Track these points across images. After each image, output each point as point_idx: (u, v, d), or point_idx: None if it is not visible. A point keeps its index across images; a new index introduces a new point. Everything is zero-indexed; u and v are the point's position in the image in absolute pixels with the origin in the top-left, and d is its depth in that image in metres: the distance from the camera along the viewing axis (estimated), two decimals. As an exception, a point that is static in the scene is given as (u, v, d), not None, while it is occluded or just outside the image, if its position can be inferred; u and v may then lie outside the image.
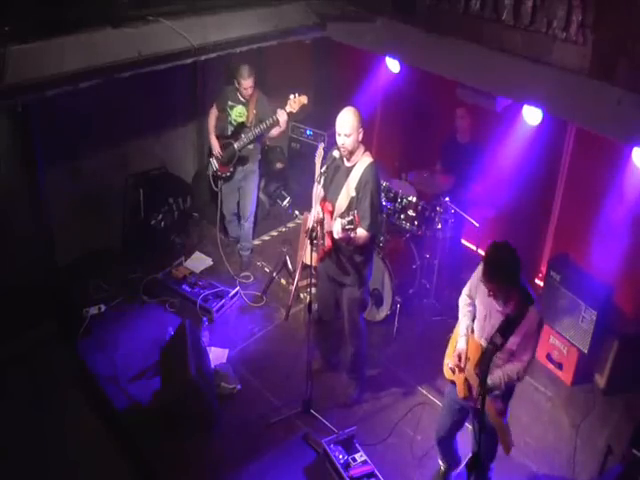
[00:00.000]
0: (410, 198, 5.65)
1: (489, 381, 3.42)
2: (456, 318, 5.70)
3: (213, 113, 5.86)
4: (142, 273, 6.03)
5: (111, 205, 6.29)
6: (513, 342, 3.42)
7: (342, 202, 4.32)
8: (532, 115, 5.04)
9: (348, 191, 4.28)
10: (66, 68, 4.01)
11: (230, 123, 5.79)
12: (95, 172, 5.98)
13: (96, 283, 5.83)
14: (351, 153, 4.26)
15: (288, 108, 5.42)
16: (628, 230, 5.05)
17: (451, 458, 4.25)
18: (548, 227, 5.96)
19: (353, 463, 4.28)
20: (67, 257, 5.78)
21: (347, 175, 4.31)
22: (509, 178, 5.83)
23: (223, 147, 5.78)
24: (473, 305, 3.76)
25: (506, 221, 6.06)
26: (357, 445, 4.41)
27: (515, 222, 6.03)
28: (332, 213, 4.34)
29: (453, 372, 3.77)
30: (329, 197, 4.41)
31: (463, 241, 6.25)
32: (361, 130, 4.21)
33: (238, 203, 6.16)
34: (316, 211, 4.38)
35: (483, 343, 3.57)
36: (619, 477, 4.24)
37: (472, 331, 3.72)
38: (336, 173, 4.39)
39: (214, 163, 5.89)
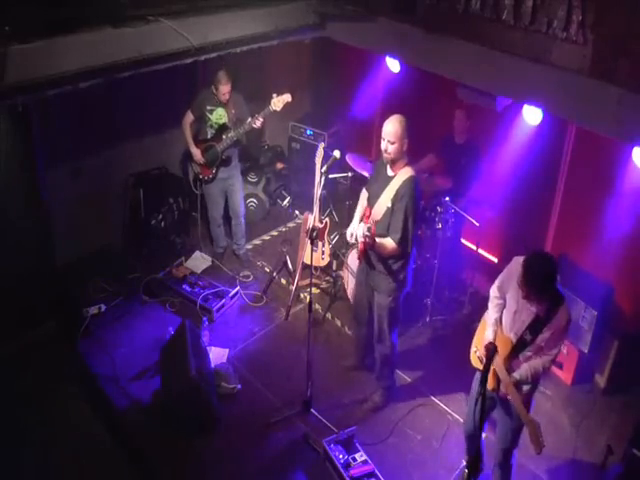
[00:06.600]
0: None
1: (517, 375, 3.56)
2: (456, 318, 5.79)
3: (188, 119, 5.83)
4: (142, 273, 6.03)
5: (111, 205, 6.29)
6: (542, 339, 3.53)
7: (378, 210, 4.30)
8: (532, 115, 5.03)
9: (385, 200, 4.27)
10: (66, 68, 4.00)
11: (211, 127, 5.81)
12: (95, 172, 5.99)
13: (96, 283, 5.84)
14: (393, 161, 4.23)
15: (272, 107, 5.44)
16: (628, 230, 5.04)
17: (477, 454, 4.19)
18: (548, 227, 5.95)
19: (353, 463, 4.28)
20: (67, 257, 5.77)
21: (387, 184, 4.29)
22: (509, 178, 5.84)
23: (205, 150, 5.81)
24: (503, 299, 3.79)
25: (506, 221, 6.06)
26: (357, 445, 4.42)
27: (515, 222, 6.03)
28: (369, 218, 4.32)
29: (481, 361, 3.80)
30: (370, 202, 4.42)
31: (463, 241, 6.25)
32: (406, 140, 4.18)
33: (226, 204, 6.18)
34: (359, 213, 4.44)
35: (512, 338, 3.63)
36: (619, 477, 4.24)
37: (500, 322, 3.77)
38: (379, 179, 4.39)
39: (195, 167, 5.93)
